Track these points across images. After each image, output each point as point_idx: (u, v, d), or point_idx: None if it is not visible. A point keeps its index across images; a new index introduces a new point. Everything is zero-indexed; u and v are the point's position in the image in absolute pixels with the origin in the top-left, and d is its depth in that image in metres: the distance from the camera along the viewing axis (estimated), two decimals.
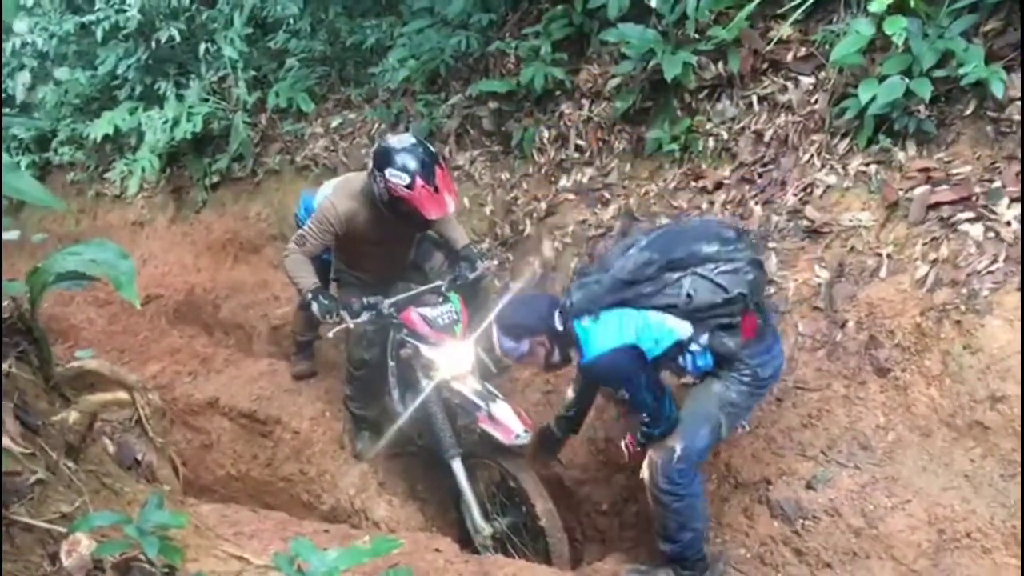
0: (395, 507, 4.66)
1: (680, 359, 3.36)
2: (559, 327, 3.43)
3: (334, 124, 7.14)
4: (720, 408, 3.37)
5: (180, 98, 7.63)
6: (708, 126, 4.91)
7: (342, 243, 4.23)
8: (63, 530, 1.86)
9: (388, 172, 3.88)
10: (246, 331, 6.67)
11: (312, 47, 7.41)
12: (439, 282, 4.26)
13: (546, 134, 5.67)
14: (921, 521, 3.26)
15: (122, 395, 2.82)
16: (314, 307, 3.92)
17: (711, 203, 4.67)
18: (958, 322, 3.48)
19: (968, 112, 3.95)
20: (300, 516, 4.44)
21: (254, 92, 7.53)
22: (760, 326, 3.37)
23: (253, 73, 7.64)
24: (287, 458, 5.12)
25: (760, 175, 4.59)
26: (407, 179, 3.84)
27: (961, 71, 3.83)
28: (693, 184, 4.83)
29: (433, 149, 4.12)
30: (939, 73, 3.93)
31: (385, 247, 4.34)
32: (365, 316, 3.98)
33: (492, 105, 5.97)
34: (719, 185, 4.71)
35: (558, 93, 5.64)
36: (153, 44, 7.64)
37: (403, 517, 4.60)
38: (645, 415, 3.34)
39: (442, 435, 4.08)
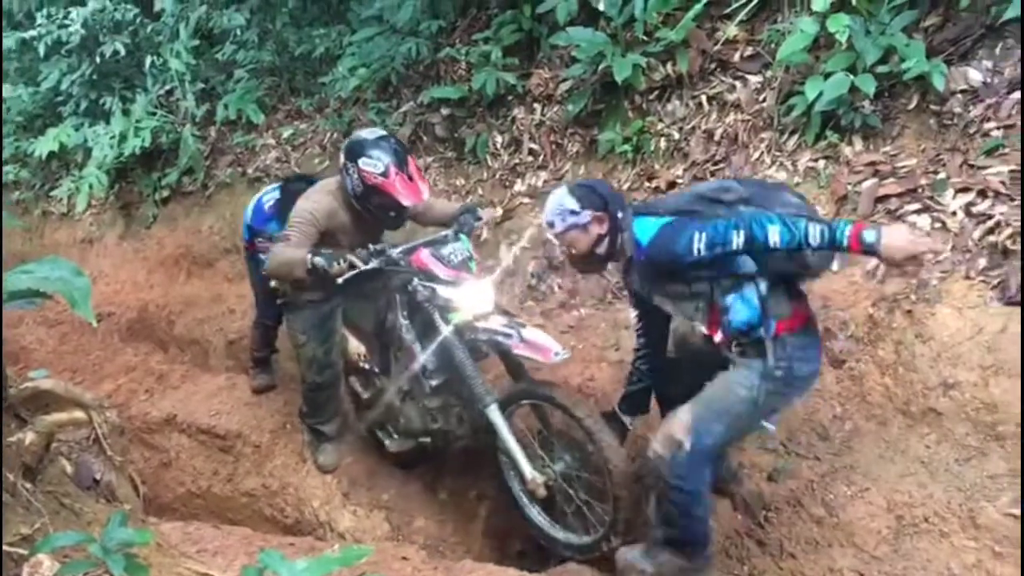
0: (360, 517, 4.62)
1: (732, 295, 2.99)
2: (623, 218, 3.14)
3: (285, 135, 7.08)
4: (740, 403, 3.02)
5: (126, 113, 7.51)
6: (659, 126, 4.96)
7: (320, 242, 4.07)
8: (24, 552, 1.82)
9: (361, 162, 3.84)
10: (202, 346, 6.58)
11: (260, 58, 7.35)
12: (444, 232, 4.11)
13: (499, 139, 5.69)
14: (880, 508, 3.32)
15: (78, 414, 2.76)
16: (319, 262, 3.76)
17: None
18: (909, 312, 3.56)
19: (911, 106, 4.05)
20: (264, 531, 4.38)
21: (203, 104, 7.45)
22: (810, 319, 3.11)
23: (201, 85, 7.55)
24: (248, 473, 5.05)
25: (712, 173, 4.65)
26: (381, 167, 3.81)
27: (903, 66, 3.93)
28: (647, 184, 4.88)
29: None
30: (882, 69, 4.02)
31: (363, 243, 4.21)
32: (375, 262, 3.80)
33: (444, 111, 5.98)
34: (672, 184, 4.76)
35: (510, 98, 5.67)
36: (97, 59, 7.50)
37: (369, 527, 4.56)
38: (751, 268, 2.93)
39: (474, 382, 3.78)
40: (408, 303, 4.07)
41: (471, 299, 3.78)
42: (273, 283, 4.55)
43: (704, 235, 2.84)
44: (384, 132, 4.06)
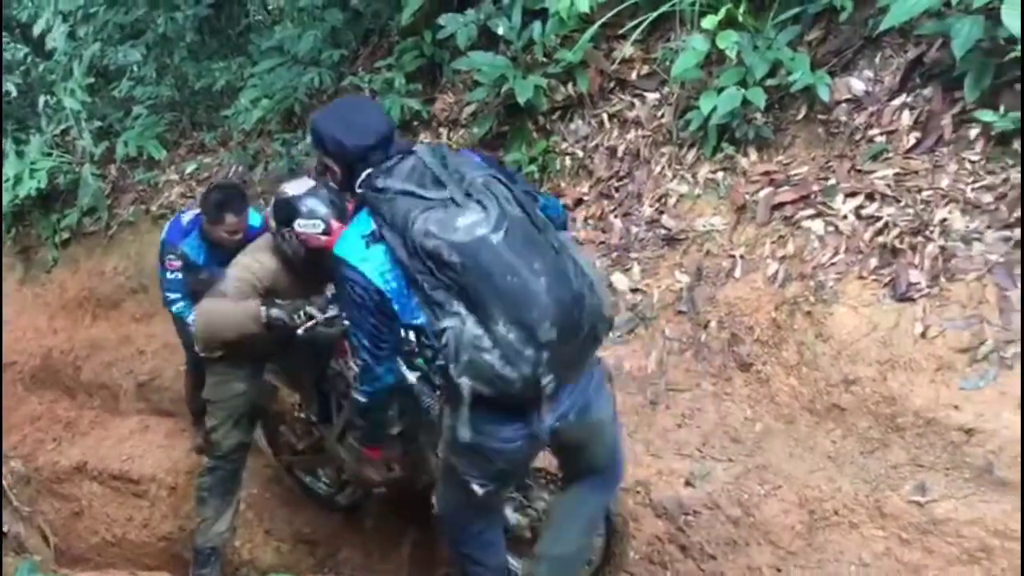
0: (284, 552, 4.56)
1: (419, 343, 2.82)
2: (358, 185, 2.64)
3: (189, 170, 6.98)
4: (445, 451, 2.86)
5: (20, 155, 7.26)
6: (564, 146, 5.05)
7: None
8: None
9: (298, 224, 3.46)
10: (111, 390, 6.39)
11: (159, 93, 7.23)
12: None
13: None
14: (793, 504, 3.42)
15: None
16: (276, 314, 3.43)
17: (573, 220, 4.78)
18: (809, 313, 3.69)
19: (800, 116, 4.22)
20: (184, 575, 4.29)
21: (101, 143, 7.28)
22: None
23: (98, 123, 7.38)
24: (165, 516, 4.94)
25: (617, 189, 4.75)
26: (321, 225, 3.46)
27: (790, 79, 4.09)
28: None
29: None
30: (771, 82, 4.18)
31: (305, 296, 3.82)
32: (333, 309, 3.47)
33: None
34: (579, 202, 4.85)
35: (416, 124, 5.70)
36: None
37: (293, 561, 4.50)
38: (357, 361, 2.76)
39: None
40: None
41: None
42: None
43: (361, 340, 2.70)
44: (311, 182, 3.64)
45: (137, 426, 5.56)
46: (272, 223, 3.62)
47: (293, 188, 3.62)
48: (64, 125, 7.40)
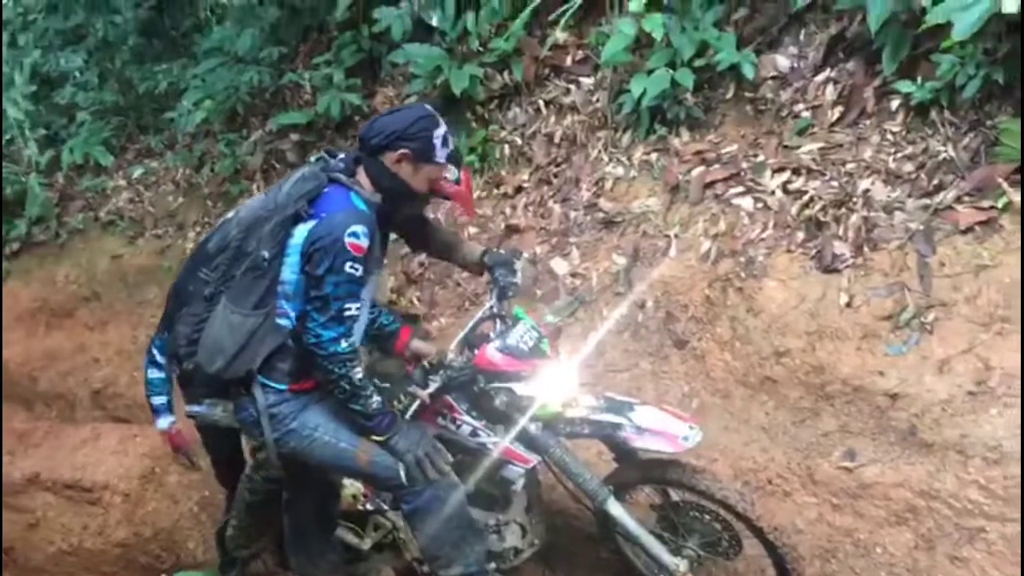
0: None
1: None
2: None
3: (136, 174, 6.96)
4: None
5: None
6: (503, 134, 5.08)
7: None
8: None
9: None
10: (67, 400, 6.38)
11: (103, 98, 7.20)
12: (488, 305, 3.36)
13: None
14: (728, 477, 3.46)
15: None
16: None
17: (513, 207, 4.82)
18: (740, 289, 3.74)
19: (729, 96, 4.27)
20: None
21: (46, 151, 7.24)
22: None
23: (43, 131, 7.36)
24: (119, 523, 4.92)
25: (555, 175, 4.79)
26: (456, 173, 3.10)
27: (717, 58, 4.13)
28: (495, 191, 4.99)
29: None
30: (699, 62, 4.22)
31: None
32: (437, 381, 3.09)
33: (294, 137, 5.97)
34: (519, 189, 4.88)
35: (356, 118, 5.70)
36: None
37: None
38: None
39: (583, 480, 3.11)
40: (470, 400, 3.22)
41: (555, 387, 3.09)
42: None
43: None
44: None
45: (90, 434, 5.52)
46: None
47: None
48: (8, 135, 7.34)
